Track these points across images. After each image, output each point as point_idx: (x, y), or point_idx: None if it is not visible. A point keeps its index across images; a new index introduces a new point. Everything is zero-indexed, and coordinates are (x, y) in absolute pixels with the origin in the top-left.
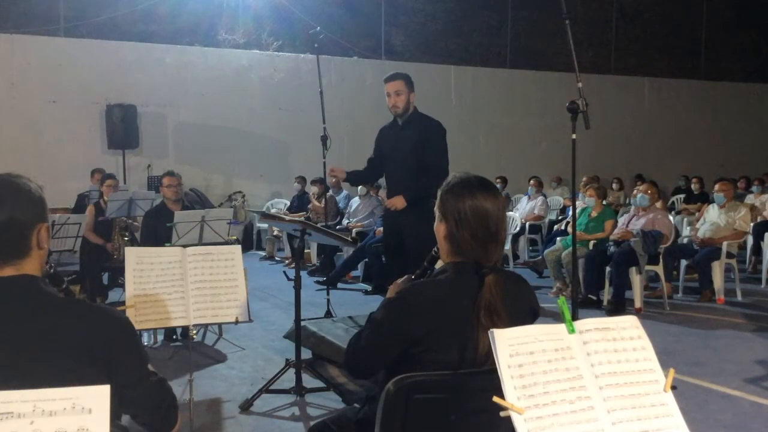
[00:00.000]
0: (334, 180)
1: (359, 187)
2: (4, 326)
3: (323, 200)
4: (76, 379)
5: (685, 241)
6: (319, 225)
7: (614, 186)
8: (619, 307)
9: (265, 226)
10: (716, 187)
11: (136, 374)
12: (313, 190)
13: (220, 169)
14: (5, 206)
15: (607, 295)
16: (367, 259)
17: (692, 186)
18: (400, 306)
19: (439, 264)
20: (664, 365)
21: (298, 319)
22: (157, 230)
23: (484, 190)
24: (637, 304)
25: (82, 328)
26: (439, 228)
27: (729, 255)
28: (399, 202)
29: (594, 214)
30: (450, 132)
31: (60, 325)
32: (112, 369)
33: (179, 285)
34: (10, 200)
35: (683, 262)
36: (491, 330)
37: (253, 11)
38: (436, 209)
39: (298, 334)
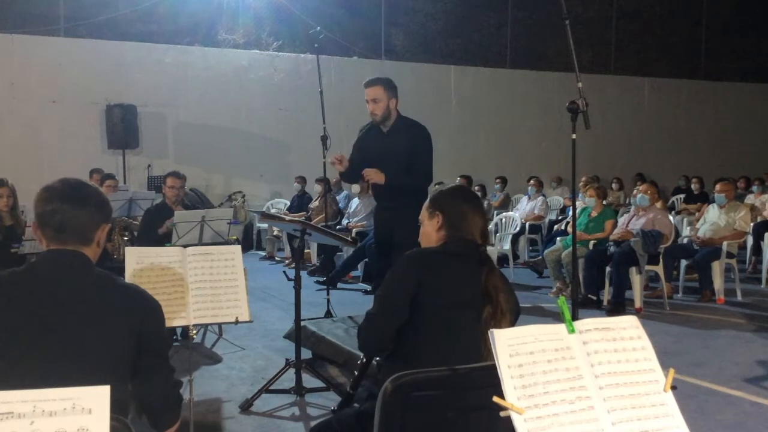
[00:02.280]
0: (339, 169)
1: (353, 187)
2: (59, 289)
3: (325, 199)
4: (114, 339)
5: (685, 241)
6: (319, 225)
7: (614, 186)
8: (619, 307)
9: (265, 226)
10: (717, 187)
11: (161, 347)
12: (317, 188)
13: (220, 169)
14: (88, 203)
15: (607, 295)
16: (367, 259)
17: (692, 186)
18: (407, 260)
19: None
20: (664, 365)
21: (298, 319)
22: (155, 228)
23: (471, 195)
24: (637, 304)
25: (127, 298)
26: (431, 223)
27: (729, 255)
28: (379, 177)
29: (594, 214)
30: (450, 132)
31: (108, 294)
32: (144, 337)
33: (179, 285)
34: (92, 200)
35: (683, 262)
36: (491, 330)
37: (253, 11)
38: (425, 209)
39: (298, 334)
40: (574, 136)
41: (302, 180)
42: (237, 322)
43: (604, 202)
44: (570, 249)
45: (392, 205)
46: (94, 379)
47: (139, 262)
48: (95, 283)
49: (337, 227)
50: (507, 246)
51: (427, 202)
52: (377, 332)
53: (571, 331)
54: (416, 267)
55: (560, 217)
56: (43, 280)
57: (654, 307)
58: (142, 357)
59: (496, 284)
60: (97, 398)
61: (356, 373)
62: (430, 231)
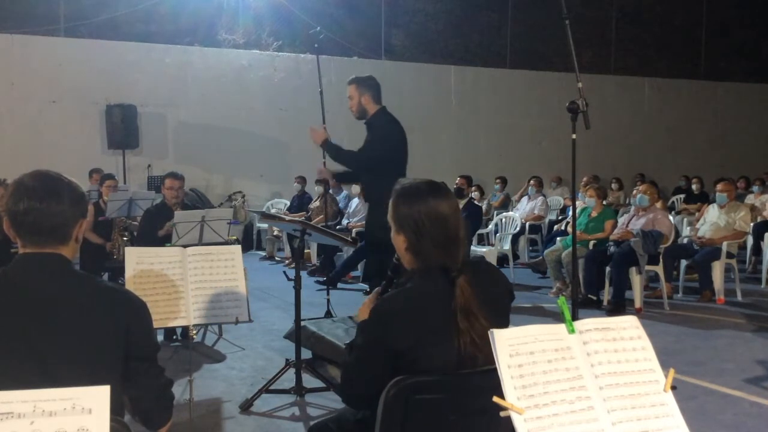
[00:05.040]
0: (330, 182)
1: (353, 187)
2: (39, 294)
3: (325, 200)
4: (101, 343)
5: (685, 241)
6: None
7: (614, 186)
8: (619, 307)
9: (265, 226)
10: (718, 187)
11: (150, 350)
12: (317, 189)
13: (220, 169)
14: (64, 199)
15: (607, 295)
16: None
17: (692, 186)
18: (376, 324)
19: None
20: (664, 365)
21: (298, 319)
22: (155, 228)
23: (436, 193)
24: (637, 304)
25: (111, 301)
26: (398, 239)
27: (729, 255)
28: (319, 137)
29: (594, 214)
30: (450, 132)
31: (91, 297)
32: (131, 339)
33: (179, 285)
34: (67, 195)
35: (683, 262)
36: (491, 330)
37: (253, 11)
38: (390, 219)
39: (298, 334)
40: (574, 136)
41: (302, 180)
42: (237, 322)
43: (604, 202)
44: (570, 249)
45: (367, 203)
46: (83, 385)
47: (140, 262)
48: (76, 286)
49: (337, 227)
50: (507, 246)
51: (390, 210)
52: (361, 398)
53: (571, 331)
54: (389, 337)
55: (560, 217)
56: (20, 285)
57: (654, 307)
58: (131, 359)
59: (477, 333)
60: (97, 398)
61: None
62: (400, 246)
